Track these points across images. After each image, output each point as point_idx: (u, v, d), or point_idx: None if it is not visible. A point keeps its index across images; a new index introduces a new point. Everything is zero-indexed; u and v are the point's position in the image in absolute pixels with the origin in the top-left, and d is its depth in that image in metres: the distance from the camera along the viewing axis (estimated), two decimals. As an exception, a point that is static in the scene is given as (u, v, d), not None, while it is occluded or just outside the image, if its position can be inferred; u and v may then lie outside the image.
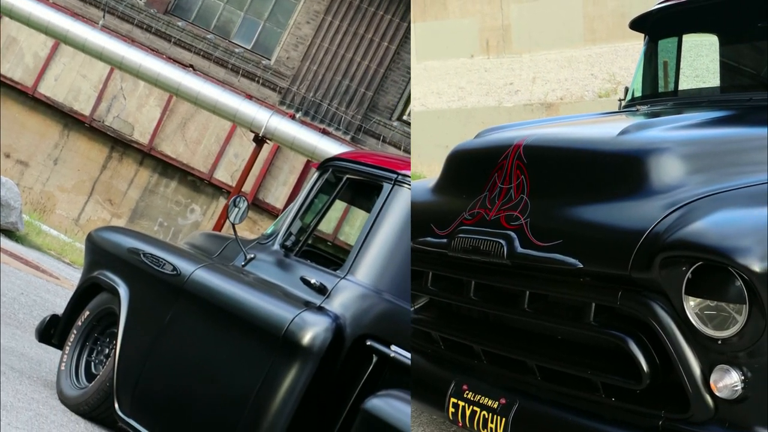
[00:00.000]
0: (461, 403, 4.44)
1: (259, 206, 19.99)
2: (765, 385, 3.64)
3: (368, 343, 4.99)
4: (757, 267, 3.48)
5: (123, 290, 6.13)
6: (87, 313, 6.50)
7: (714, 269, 3.60)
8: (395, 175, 5.36)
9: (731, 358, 3.65)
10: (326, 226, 18.06)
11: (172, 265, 5.91)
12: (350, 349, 4.99)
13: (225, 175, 20.44)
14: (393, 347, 4.92)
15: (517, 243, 4.23)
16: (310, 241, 5.73)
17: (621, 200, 4.06)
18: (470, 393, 4.37)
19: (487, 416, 4.28)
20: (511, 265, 4.26)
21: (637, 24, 6.20)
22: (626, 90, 6.26)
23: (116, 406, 5.81)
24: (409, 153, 17.80)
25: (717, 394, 3.68)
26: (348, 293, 5.14)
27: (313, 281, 5.24)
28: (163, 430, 5.55)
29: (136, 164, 20.95)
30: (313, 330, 4.95)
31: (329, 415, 4.97)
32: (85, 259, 6.80)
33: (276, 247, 5.72)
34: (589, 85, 15.12)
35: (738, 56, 6.03)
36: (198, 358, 5.47)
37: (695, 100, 5.83)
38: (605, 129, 4.71)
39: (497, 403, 4.28)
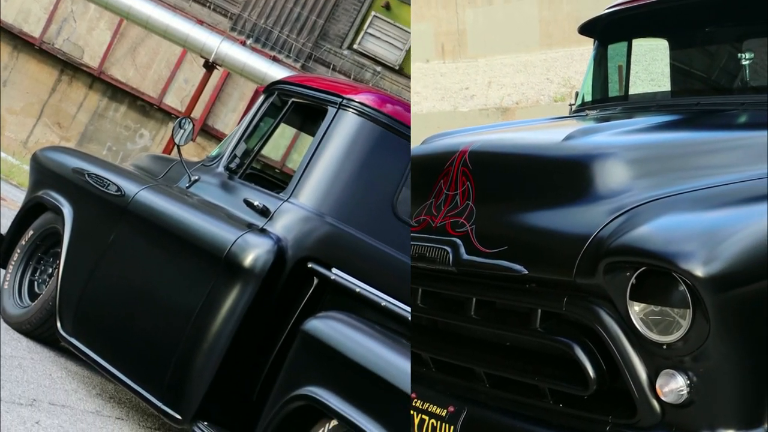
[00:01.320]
0: (410, 412, 4.42)
1: (208, 132, 19.68)
2: (710, 389, 3.65)
3: (309, 265, 5.04)
4: (700, 272, 3.49)
5: (67, 210, 6.14)
6: (31, 232, 6.52)
7: (658, 274, 3.60)
8: (340, 99, 5.40)
9: (677, 363, 3.65)
10: (275, 153, 17.92)
11: (116, 185, 5.92)
12: (291, 271, 5.04)
13: (175, 100, 20.10)
14: (334, 270, 4.97)
15: (462, 250, 4.21)
16: (254, 164, 5.76)
17: (566, 206, 4.05)
18: (419, 401, 4.34)
19: (435, 424, 4.26)
20: (456, 272, 4.24)
21: (587, 29, 6.21)
22: (576, 95, 6.27)
23: (58, 325, 5.84)
24: (360, 82, 17.72)
25: (663, 398, 3.68)
26: (290, 216, 5.18)
27: (256, 203, 5.29)
28: (104, 349, 5.55)
29: (86, 88, 20.58)
30: (254, 252, 4.98)
31: (269, 335, 5.02)
32: (30, 179, 6.81)
33: (220, 169, 5.76)
34: (545, 90, 15.17)
35: (689, 60, 6.05)
36: (140, 279, 5.49)
37: (645, 104, 5.84)
38: (551, 134, 4.70)
39: (446, 411, 4.25)
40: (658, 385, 3.68)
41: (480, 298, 4.25)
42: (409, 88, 18.77)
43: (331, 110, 5.41)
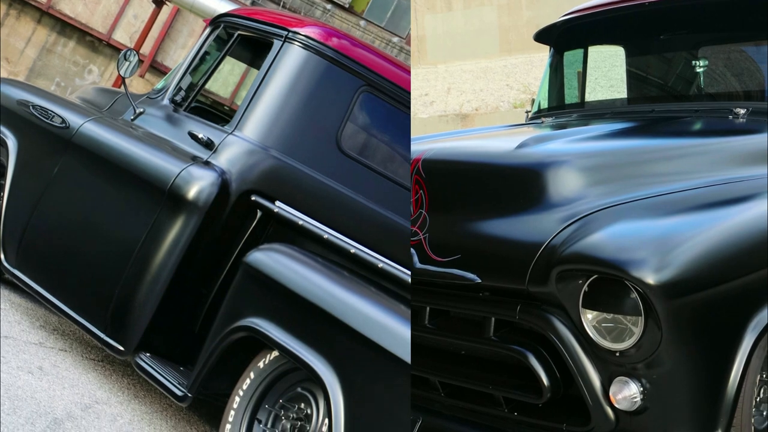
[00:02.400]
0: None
1: (157, 69, 19.36)
2: (664, 395, 3.67)
3: (253, 198, 5.06)
4: (651, 279, 3.50)
5: (11, 142, 6.08)
6: None
7: (610, 282, 3.61)
8: (286, 32, 5.39)
9: (630, 370, 3.67)
10: (224, 90, 17.71)
11: (61, 117, 5.87)
12: (235, 203, 5.06)
13: (124, 36, 19.69)
14: (277, 203, 4.99)
15: (416, 258, 4.21)
16: (201, 99, 5.73)
17: (519, 214, 4.05)
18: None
19: (391, 433, 4.25)
20: (410, 281, 4.24)
21: (542, 36, 6.23)
22: (532, 102, 6.28)
23: (2, 257, 5.81)
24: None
25: (617, 406, 3.69)
26: (235, 149, 5.17)
27: (200, 136, 5.27)
28: (48, 281, 5.54)
29: (34, 22, 20.20)
30: (198, 184, 4.99)
31: (212, 268, 5.04)
32: None
33: (165, 102, 5.74)
34: (504, 96, 15.19)
35: (646, 66, 6.08)
36: (84, 211, 5.47)
37: (600, 111, 5.86)
38: (504, 142, 4.70)
39: (401, 419, 4.25)
40: (611, 392, 3.69)
41: (434, 307, 4.25)
42: (360, 26, 18.63)
43: (277, 43, 5.39)
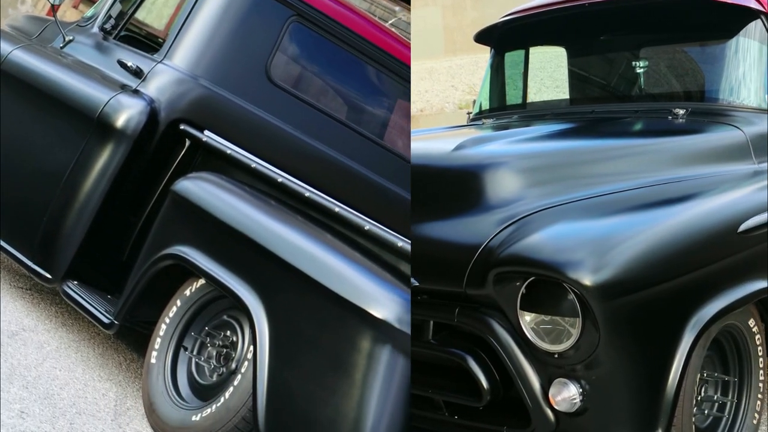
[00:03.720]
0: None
1: (92, 1, 19.23)
2: (603, 396, 3.67)
3: (182, 127, 5.06)
4: (587, 281, 3.50)
5: None
6: None
7: (547, 284, 3.60)
8: None
9: (569, 372, 3.67)
10: (158, 22, 17.48)
11: None
12: (164, 132, 5.07)
13: None
14: (206, 132, 5.00)
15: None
16: (133, 29, 5.72)
17: (457, 216, 4.04)
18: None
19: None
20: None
21: (483, 37, 6.22)
22: (473, 103, 6.28)
23: None
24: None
25: (556, 407, 3.69)
26: (164, 77, 5.18)
27: (129, 64, 5.27)
28: None
29: None
30: (127, 112, 4.98)
31: (140, 196, 5.07)
32: None
33: (95, 30, 5.71)
34: (450, 97, 15.19)
35: (588, 67, 6.09)
36: (12, 138, 5.42)
37: (541, 112, 5.87)
38: (443, 144, 4.68)
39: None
40: (551, 394, 3.69)
41: (373, 311, 4.22)
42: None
43: None
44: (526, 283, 3.65)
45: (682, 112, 4.98)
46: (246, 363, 4.29)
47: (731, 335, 4.30)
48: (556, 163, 4.34)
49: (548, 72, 6.20)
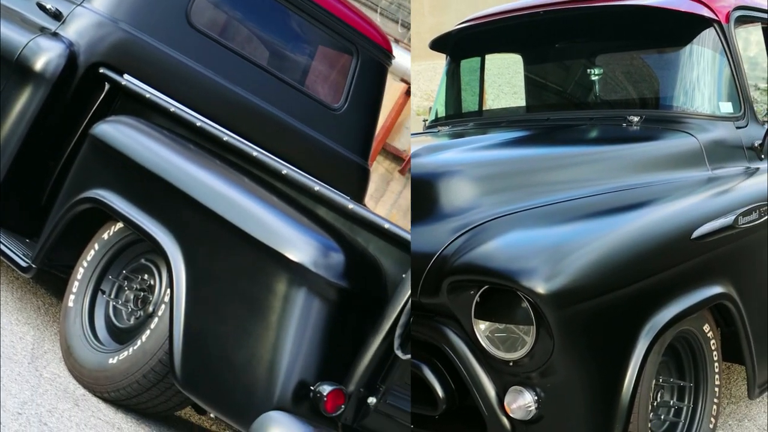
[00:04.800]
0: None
1: None
2: (559, 403, 3.68)
3: (101, 71, 5.03)
4: (541, 288, 3.49)
5: None
6: None
7: (501, 292, 3.60)
8: None
9: (524, 380, 3.67)
10: None
11: None
12: (83, 76, 5.02)
13: None
14: (125, 76, 4.99)
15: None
16: None
17: (412, 225, 4.04)
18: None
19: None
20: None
21: (438, 44, 6.23)
22: (429, 110, 6.28)
23: None
24: None
25: (512, 415, 3.69)
26: (84, 20, 5.13)
27: (48, 7, 5.20)
28: None
29: None
30: (46, 55, 4.94)
31: (59, 140, 5.02)
32: None
33: None
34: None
35: (544, 74, 6.11)
36: None
37: (496, 120, 5.88)
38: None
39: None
40: (506, 402, 3.69)
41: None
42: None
43: None
44: (480, 291, 3.64)
45: (636, 119, 5.00)
46: (163, 306, 4.30)
47: (686, 341, 4.32)
48: (511, 171, 4.35)
49: (506, 78, 6.21)
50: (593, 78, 5.63)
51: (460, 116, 6.07)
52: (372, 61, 6.21)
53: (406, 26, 17.36)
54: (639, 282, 3.84)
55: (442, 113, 6.12)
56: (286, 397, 3.85)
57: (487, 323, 3.67)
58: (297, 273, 3.92)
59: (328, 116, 5.94)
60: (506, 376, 3.69)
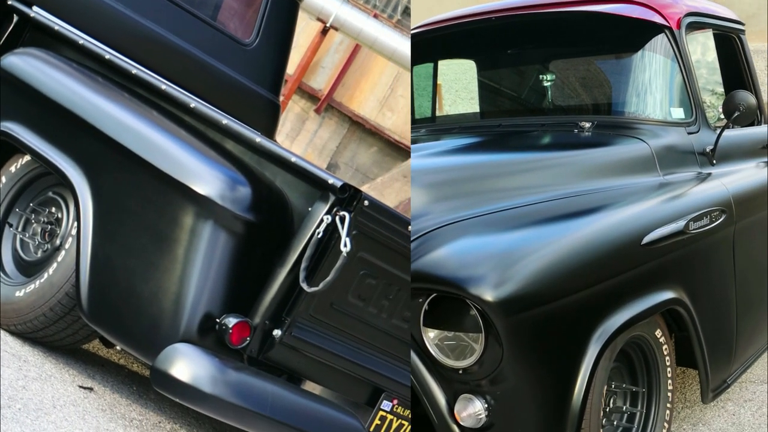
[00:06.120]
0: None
1: None
2: (509, 411, 3.66)
3: (9, 2, 4.98)
4: (489, 296, 3.47)
5: None
6: None
7: (450, 299, 3.58)
8: None
9: (474, 387, 3.65)
10: None
11: None
12: None
13: None
14: (34, 8, 4.93)
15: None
16: None
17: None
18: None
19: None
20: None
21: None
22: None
23: None
24: None
25: (462, 423, 3.67)
26: None
27: None
28: None
29: None
30: None
31: None
32: None
33: None
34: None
35: (499, 80, 6.11)
36: None
37: (448, 126, 5.87)
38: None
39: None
40: (456, 410, 3.67)
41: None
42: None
43: None
44: (429, 299, 3.62)
45: (588, 125, 5.00)
46: (70, 239, 4.30)
47: (638, 346, 4.32)
48: (462, 177, 4.33)
49: (463, 83, 6.22)
50: (545, 84, 5.64)
51: (413, 122, 6.05)
52: None
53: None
54: (589, 288, 3.83)
55: (395, 120, 6.11)
56: (191, 330, 3.87)
57: (437, 331, 3.65)
58: (204, 206, 3.94)
59: (239, 51, 5.90)
60: (456, 384, 3.67)
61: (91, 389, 4.28)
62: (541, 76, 5.66)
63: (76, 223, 4.21)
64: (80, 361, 4.58)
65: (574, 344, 3.77)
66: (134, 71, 4.67)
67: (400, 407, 4.34)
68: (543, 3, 5.55)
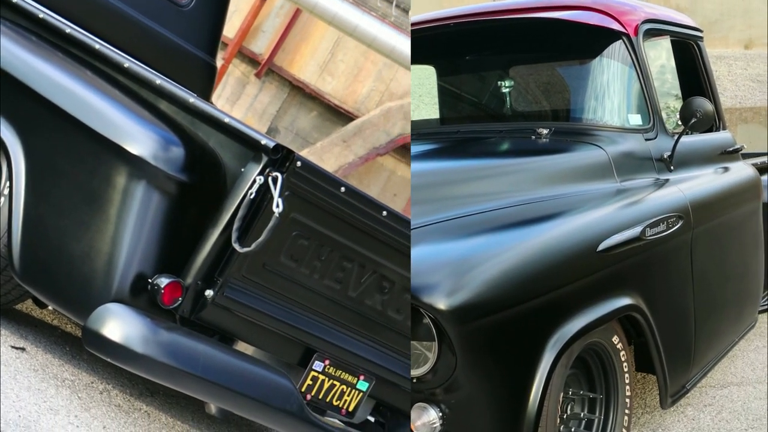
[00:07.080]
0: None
1: None
2: (464, 419, 3.65)
3: None
4: (442, 304, 3.44)
5: None
6: None
7: (403, 308, 3.58)
8: None
9: (428, 396, 3.63)
10: None
11: None
12: None
13: None
14: None
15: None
16: None
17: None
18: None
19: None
20: None
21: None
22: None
23: None
24: None
25: (417, 432, 3.66)
26: None
27: None
28: None
29: None
30: None
31: None
32: None
33: None
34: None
35: (459, 85, 6.11)
36: None
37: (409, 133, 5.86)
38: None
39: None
40: (411, 418, 3.65)
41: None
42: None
43: None
44: (383, 307, 3.62)
45: (545, 132, 5.00)
46: (2, 199, 4.25)
47: (596, 353, 4.32)
48: (419, 184, 4.31)
49: (426, 89, 6.21)
50: (504, 90, 5.64)
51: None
52: None
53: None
54: (545, 295, 3.82)
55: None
56: (123, 290, 3.87)
57: (390, 339, 3.64)
58: (136, 166, 3.93)
59: (175, 12, 5.85)
60: (411, 392, 3.66)
61: (23, 349, 4.26)
62: (500, 83, 5.66)
63: (8, 183, 4.17)
64: (12, 321, 4.54)
65: (529, 351, 3.75)
66: (68, 30, 4.62)
67: (331, 367, 4.34)
68: (502, 9, 5.56)
